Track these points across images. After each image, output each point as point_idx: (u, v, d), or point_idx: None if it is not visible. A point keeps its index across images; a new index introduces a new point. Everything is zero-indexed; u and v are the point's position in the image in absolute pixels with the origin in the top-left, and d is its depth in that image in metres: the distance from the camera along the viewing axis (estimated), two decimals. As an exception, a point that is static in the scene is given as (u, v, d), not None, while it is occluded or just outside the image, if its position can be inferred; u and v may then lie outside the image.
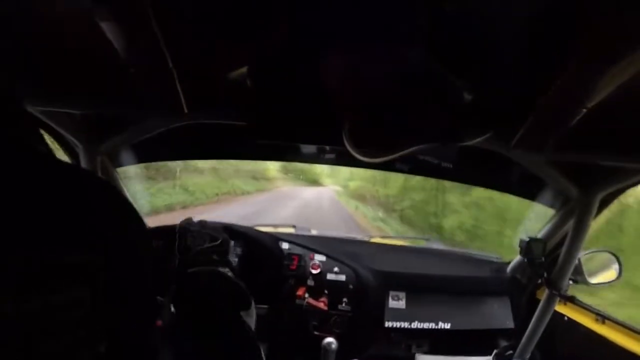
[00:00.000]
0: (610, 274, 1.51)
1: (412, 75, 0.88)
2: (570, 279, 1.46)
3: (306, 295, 1.57)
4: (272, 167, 22.32)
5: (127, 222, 0.40)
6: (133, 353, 0.39)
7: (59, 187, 0.34)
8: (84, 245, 0.33)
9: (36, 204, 0.31)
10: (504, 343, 1.62)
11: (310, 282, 1.60)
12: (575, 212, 1.34)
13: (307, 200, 16.40)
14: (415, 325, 1.56)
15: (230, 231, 1.63)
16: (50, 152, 0.44)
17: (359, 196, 17.95)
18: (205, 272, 0.83)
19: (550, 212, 1.53)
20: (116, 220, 0.38)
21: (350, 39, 0.77)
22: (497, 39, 0.74)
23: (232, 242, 1.60)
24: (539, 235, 1.54)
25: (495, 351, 1.59)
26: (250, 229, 1.71)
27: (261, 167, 20.62)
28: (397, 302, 1.59)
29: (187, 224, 0.99)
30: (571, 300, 1.49)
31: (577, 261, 1.44)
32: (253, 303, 0.89)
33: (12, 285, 0.28)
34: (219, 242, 0.93)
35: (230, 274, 0.87)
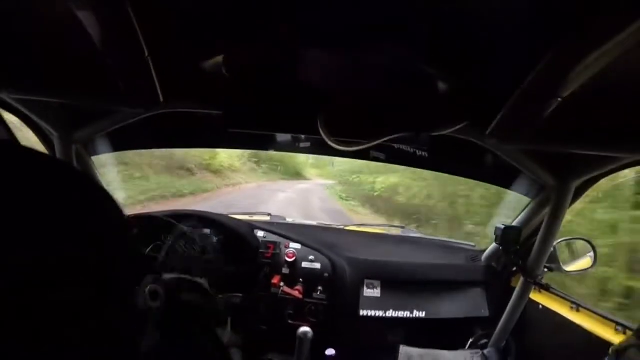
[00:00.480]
0: (585, 262, 1.51)
1: (387, 67, 0.89)
2: (545, 267, 1.46)
3: (281, 283, 1.56)
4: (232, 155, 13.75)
5: (106, 214, 0.39)
6: (129, 348, 0.39)
7: (40, 181, 0.33)
8: (73, 241, 0.33)
9: (22, 200, 0.31)
10: (479, 331, 1.62)
11: (285, 271, 1.59)
12: (551, 200, 1.34)
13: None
14: (390, 314, 1.56)
15: (205, 219, 1.61)
16: (12, 137, 0.43)
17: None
18: (185, 281, 0.81)
19: (526, 200, 1.52)
20: (95, 213, 0.37)
21: (327, 32, 0.77)
22: (472, 31, 0.74)
23: (207, 231, 1.60)
24: (515, 223, 1.54)
25: (470, 340, 1.60)
26: (226, 216, 1.69)
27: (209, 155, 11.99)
28: (372, 290, 1.59)
29: (185, 224, 0.98)
30: (546, 288, 1.50)
31: (552, 249, 1.44)
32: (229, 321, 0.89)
33: (6, 285, 0.27)
34: (210, 256, 0.91)
35: (207, 286, 0.86)
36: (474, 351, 1.50)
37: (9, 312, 0.27)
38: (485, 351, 1.54)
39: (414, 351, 1.47)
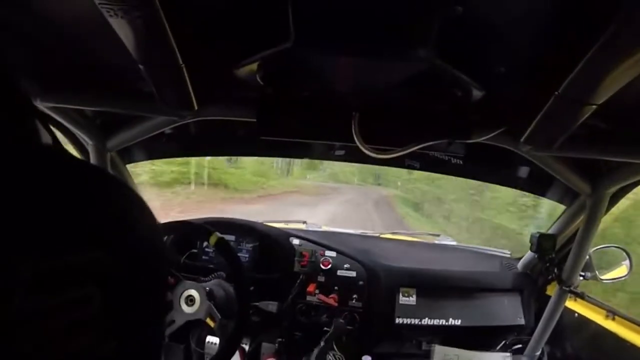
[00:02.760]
0: (621, 270, 1.51)
1: (423, 74, 0.88)
2: (580, 275, 1.46)
3: (317, 291, 1.56)
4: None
5: (137, 219, 0.38)
6: (141, 352, 0.38)
7: (65, 184, 0.32)
8: (92, 243, 0.32)
9: (42, 201, 0.30)
10: (514, 340, 1.62)
11: (320, 278, 1.59)
12: (586, 208, 1.34)
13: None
14: (426, 321, 1.55)
15: (241, 227, 1.64)
16: (58, 145, 0.44)
17: None
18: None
19: (561, 207, 1.54)
20: (125, 216, 0.37)
21: (360, 39, 0.77)
22: (507, 37, 0.75)
23: (232, 237, 1.62)
24: (550, 231, 1.54)
25: (503, 342, 1.58)
26: (261, 224, 1.71)
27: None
28: (407, 298, 1.59)
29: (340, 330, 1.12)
30: (581, 296, 1.49)
31: (587, 257, 1.44)
32: None
33: (20, 286, 0.27)
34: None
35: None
36: (506, 354, 1.48)
37: (18, 313, 0.26)
38: (521, 358, 1.54)
39: (449, 350, 1.46)
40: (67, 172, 0.34)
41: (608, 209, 1.35)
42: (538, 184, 1.51)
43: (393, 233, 2.07)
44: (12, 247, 0.27)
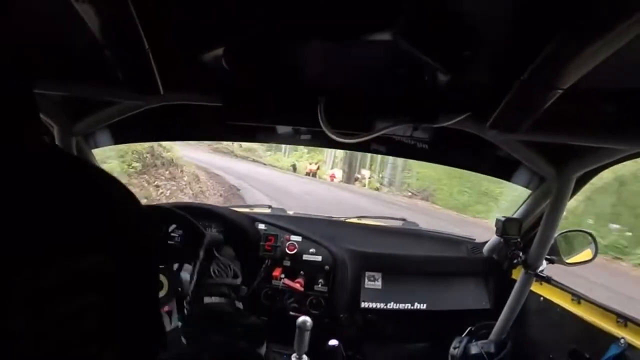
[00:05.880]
0: (586, 254, 1.51)
1: (387, 58, 0.88)
2: (546, 259, 1.46)
3: (282, 275, 1.57)
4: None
5: (133, 214, 0.38)
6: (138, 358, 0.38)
7: (61, 186, 0.32)
8: (92, 246, 0.31)
9: (36, 205, 0.29)
10: (480, 323, 1.63)
11: (286, 263, 1.60)
12: (551, 192, 1.34)
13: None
14: (391, 305, 1.56)
15: (207, 212, 1.62)
16: (52, 144, 0.42)
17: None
18: (221, 306, 0.86)
19: (527, 192, 1.52)
20: (122, 214, 0.36)
21: (327, 22, 0.76)
22: (473, 22, 0.73)
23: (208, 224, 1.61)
24: (515, 215, 1.54)
25: (469, 328, 1.60)
26: (227, 209, 1.70)
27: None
28: (373, 282, 1.59)
29: (214, 241, 1.11)
30: (547, 280, 1.50)
31: (553, 241, 1.44)
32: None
33: (22, 301, 0.26)
34: (239, 282, 0.98)
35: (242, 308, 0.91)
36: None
37: (20, 327, 0.26)
38: (486, 342, 1.55)
39: None
40: (62, 173, 0.33)
41: (574, 193, 1.34)
42: (504, 169, 1.49)
43: (359, 217, 2.06)
44: (6, 258, 0.26)
